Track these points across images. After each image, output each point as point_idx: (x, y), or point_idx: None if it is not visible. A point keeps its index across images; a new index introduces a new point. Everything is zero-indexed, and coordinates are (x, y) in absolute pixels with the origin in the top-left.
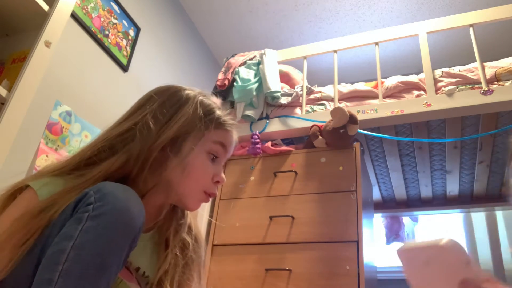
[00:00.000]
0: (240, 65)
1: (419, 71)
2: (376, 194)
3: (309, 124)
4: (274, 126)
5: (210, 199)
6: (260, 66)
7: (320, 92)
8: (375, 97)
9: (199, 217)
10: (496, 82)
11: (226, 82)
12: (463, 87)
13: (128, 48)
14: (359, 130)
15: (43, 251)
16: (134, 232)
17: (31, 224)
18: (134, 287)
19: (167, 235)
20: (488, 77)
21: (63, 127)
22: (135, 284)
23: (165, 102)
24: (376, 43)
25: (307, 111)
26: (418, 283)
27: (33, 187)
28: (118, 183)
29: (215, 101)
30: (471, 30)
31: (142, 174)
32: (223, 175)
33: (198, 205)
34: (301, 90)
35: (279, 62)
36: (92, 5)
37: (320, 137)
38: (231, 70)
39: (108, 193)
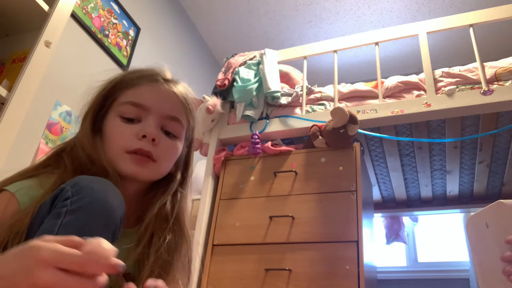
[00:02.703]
0: (240, 65)
1: (419, 71)
2: (376, 194)
3: (309, 124)
4: (274, 126)
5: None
6: (260, 66)
7: (320, 92)
8: (375, 97)
9: (199, 217)
10: (496, 82)
11: (226, 82)
12: (463, 87)
13: (128, 48)
14: (359, 130)
15: None
16: (115, 224)
17: (8, 227)
18: (121, 279)
19: (146, 221)
20: (488, 77)
21: (63, 127)
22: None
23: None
24: (376, 43)
25: (307, 111)
26: (477, 249)
27: (9, 190)
28: (95, 176)
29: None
30: (471, 30)
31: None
32: (148, 128)
33: (131, 166)
34: (301, 90)
35: (279, 62)
36: (92, 5)
37: (320, 137)
38: (231, 70)
39: (85, 186)
